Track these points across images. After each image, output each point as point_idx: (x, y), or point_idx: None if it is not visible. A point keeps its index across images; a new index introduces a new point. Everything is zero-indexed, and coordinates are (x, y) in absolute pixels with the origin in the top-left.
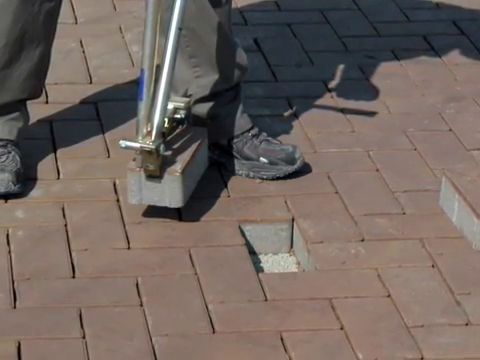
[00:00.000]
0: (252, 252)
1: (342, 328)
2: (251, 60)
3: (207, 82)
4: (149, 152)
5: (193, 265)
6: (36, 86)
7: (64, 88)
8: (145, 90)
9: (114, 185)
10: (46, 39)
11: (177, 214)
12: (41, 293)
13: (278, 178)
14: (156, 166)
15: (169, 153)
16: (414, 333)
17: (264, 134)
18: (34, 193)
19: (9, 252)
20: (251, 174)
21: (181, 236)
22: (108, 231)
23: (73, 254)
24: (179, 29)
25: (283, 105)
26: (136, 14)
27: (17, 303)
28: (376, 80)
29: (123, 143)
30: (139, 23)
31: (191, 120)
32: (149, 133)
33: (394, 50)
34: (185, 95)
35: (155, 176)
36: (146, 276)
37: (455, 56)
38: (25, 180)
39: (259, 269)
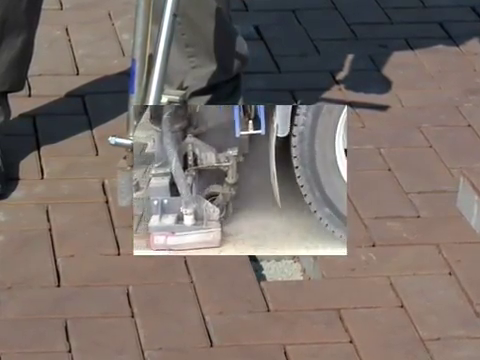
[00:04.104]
0: (253, 258)
1: (351, 341)
2: (252, 49)
3: (204, 73)
4: None
5: (189, 272)
6: (18, 78)
7: (48, 80)
8: (137, 82)
9: (103, 185)
10: (29, 27)
11: None
12: (23, 303)
13: None
14: None
15: None
16: (430, 346)
17: None
18: (16, 194)
19: None
20: None
21: None
22: (96, 235)
23: (58, 261)
24: (174, 15)
25: (287, 98)
26: None
27: None
28: (388, 71)
29: (113, 139)
30: (130, 9)
31: None
32: None
33: (408, 38)
34: (180, 87)
35: None
36: (138, 284)
37: (474, 45)
38: (6, 180)
39: (261, 277)
